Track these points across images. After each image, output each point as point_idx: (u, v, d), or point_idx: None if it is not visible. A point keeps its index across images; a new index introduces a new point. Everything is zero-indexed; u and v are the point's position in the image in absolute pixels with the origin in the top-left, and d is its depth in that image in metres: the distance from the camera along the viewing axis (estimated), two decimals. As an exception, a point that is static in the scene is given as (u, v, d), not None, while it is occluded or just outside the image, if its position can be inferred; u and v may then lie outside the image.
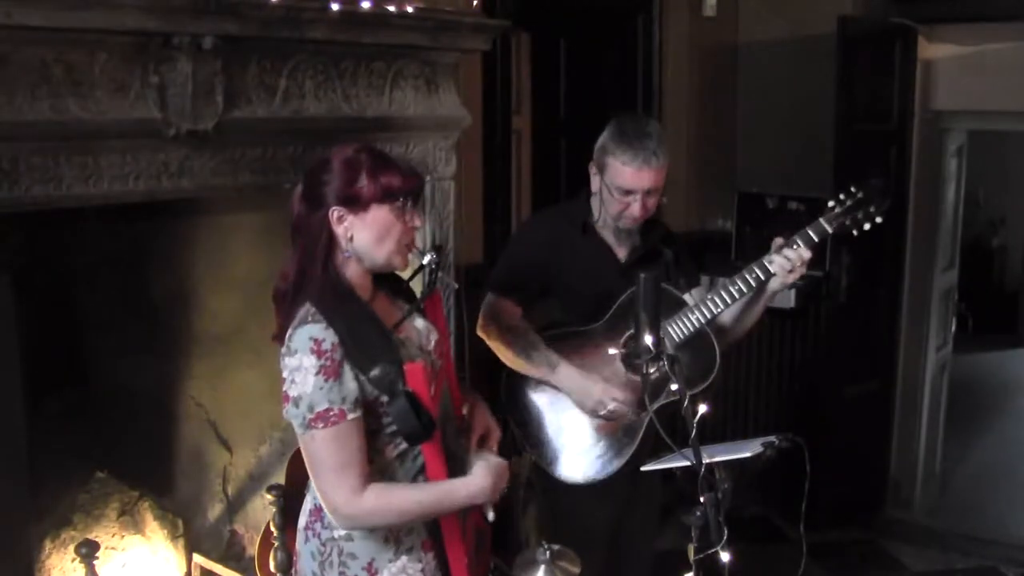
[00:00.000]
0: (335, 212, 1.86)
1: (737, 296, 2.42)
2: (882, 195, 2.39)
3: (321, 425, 1.79)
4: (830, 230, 2.38)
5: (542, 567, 1.93)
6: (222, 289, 2.92)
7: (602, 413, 2.48)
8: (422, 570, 1.95)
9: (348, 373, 1.81)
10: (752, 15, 4.92)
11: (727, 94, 5.00)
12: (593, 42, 4.54)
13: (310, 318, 1.82)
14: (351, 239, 1.87)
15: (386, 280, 2.02)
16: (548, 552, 1.96)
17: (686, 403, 1.86)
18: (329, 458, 1.81)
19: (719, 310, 2.44)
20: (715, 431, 2.04)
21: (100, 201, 2.28)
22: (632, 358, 2.02)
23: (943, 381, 5.12)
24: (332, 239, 1.88)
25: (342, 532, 1.92)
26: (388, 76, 2.81)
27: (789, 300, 4.50)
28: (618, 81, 4.52)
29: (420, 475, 1.92)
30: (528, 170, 4.56)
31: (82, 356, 2.63)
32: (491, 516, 1.95)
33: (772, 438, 2.08)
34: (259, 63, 2.49)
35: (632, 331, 2.48)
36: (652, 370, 1.92)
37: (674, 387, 1.89)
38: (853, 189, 2.40)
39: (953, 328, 5.26)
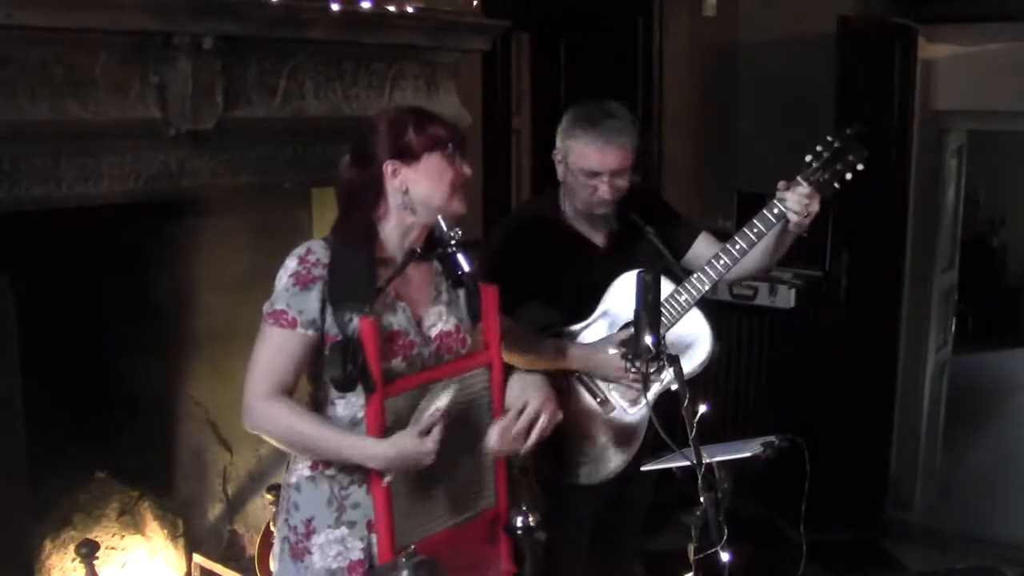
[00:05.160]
0: (389, 166, 1.94)
1: (755, 238, 2.36)
2: (861, 143, 2.32)
3: (271, 322, 1.88)
4: (808, 186, 2.29)
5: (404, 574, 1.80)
6: (222, 289, 2.92)
7: (631, 375, 2.41)
8: (363, 549, 1.94)
9: (316, 292, 1.88)
10: (752, 15, 4.92)
11: (727, 94, 5.00)
12: (593, 42, 4.54)
13: (319, 238, 1.95)
14: (407, 191, 1.94)
15: (438, 258, 2.04)
16: (412, 560, 1.81)
17: (686, 402, 1.86)
18: (264, 355, 1.89)
19: (739, 257, 2.39)
20: (715, 431, 2.03)
21: (100, 201, 2.28)
22: (632, 357, 2.01)
23: (943, 381, 5.11)
24: (379, 195, 1.96)
25: (293, 479, 1.99)
26: (388, 76, 2.81)
27: (789, 300, 4.50)
28: (618, 81, 4.51)
29: None
30: (528, 170, 4.56)
31: (82, 356, 2.62)
32: (384, 481, 1.87)
33: (772, 438, 2.07)
34: (259, 63, 2.49)
35: (629, 321, 2.49)
36: (652, 369, 1.91)
37: (674, 387, 1.90)
38: (830, 138, 2.33)
39: (953, 328, 5.26)
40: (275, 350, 1.89)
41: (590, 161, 2.42)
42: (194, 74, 2.31)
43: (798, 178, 2.32)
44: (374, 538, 1.93)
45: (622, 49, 4.57)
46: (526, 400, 2.04)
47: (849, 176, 2.33)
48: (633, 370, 2.39)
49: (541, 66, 4.57)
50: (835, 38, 4.27)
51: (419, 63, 2.87)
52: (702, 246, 2.58)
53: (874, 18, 4.53)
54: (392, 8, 2.67)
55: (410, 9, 2.71)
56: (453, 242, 1.96)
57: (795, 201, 2.30)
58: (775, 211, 2.34)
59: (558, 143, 2.51)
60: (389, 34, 2.71)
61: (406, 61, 2.83)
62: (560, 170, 2.52)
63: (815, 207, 2.31)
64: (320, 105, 2.65)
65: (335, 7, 2.50)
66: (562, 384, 2.48)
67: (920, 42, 4.48)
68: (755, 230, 2.36)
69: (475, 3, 2.98)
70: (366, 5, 2.61)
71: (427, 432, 1.84)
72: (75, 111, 2.16)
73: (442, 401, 1.86)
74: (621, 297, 2.48)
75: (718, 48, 4.92)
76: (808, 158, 2.33)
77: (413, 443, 1.83)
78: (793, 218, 2.31)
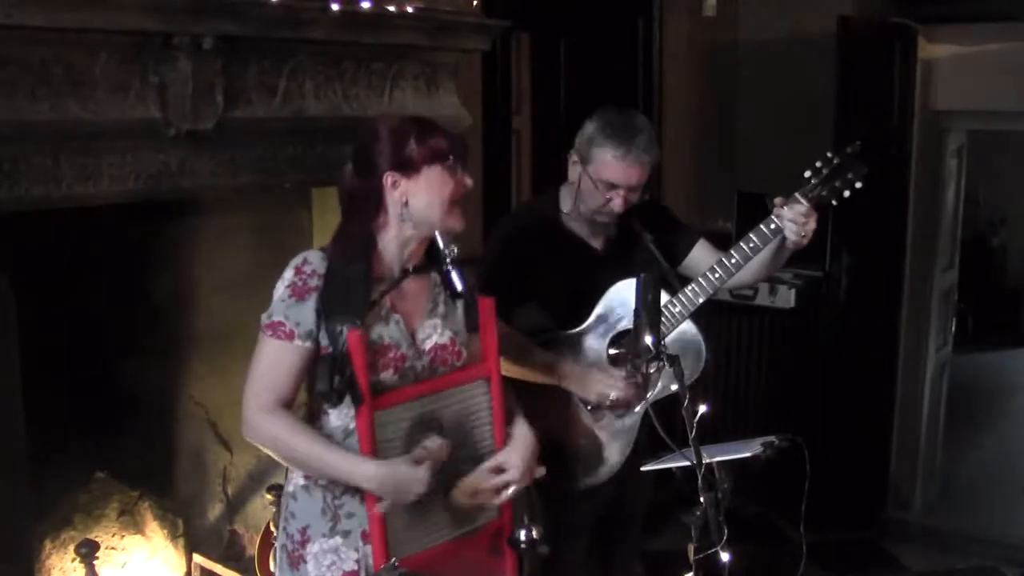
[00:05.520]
0: (389, 178, 1.92)
1: (751, 253, 2.38)
2: (860, 161, 2.32)
3: (269, 333, 1.88)
4: (805, 204, 2.30)
5: None
6: (222, 289, 2.92)
7: (609, 403, 2.46)
8: (357, 560, 1.94)
9: (311, 303, 1.87)
10: (752, 15, 4.92)
11: (727, 94, 5.00)
12: (593, 42, 4.54)
13: (317, 248, 1.95)
14: (406, 203, 1.93)
15: (437, 270, 2.03)
16: (393, 572, 1.81)
17: (686, 402, 1.86)
18: (261, 366, 1.89)
19: (734, 271, 2.40)
20: (715, 431, 2.03)
21: (100, 201, 2.28)
22: (632, 357, 2.01)
23: (943, 381, 5.12)
24: (379, 205, 1.94)
25: (290, 488, 1.99)
26: (388, 76, 2.81)
27: (789, 300, 4.50)
28: (618, 81, 4.52)
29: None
30: (528, 170, 4.56)
31: (82, 356, 2.62)
32: (379, 508, 1.87)
33: (772, 438, 2.08)
34: (259, 63, 2.49)
35: (622, 329, 2.48)
36: (652, 370, 1.91)
37: (673, 387, 1.89)
38: (829, 155, 2.33)
39: (953, 328, 5.26)
40: (273, 362, 1.88)
41: (612, 173, 2.41)
42: (194, 74, 2.31)
43: (796, 194, 2.32)
44: (369, 549, 1.92)
45: (622, 49, 4.57)
46: (506, 461, 2.02)
47: (847, 194, 2.33)
48: (615, 396, 2.42)
49: (541, 66, 4.57)
50: (835, 38, 4.28)
51: (419, 63, 2.87)
52: (701, 253, 2.58)
53: (874, 18, 4.53)
54: (392, 8, 2.67)
55: (410, 9, 2.71)
56: (449, 259, 1.94)
57: (792, 219, 2.30)
58: (772, 226, 2.34)
59: (578, 145, 2.49)
60: (389, 34, 2.71)
61: (406, 61, 2.83)
62: (574, 171, 2.50)
63: (812, 225, 2.32)
64: (320, 105, 2.65)
65: (335, 7, 2.50)
66: (555, 391, 2.49)
67: (920, 42, 4.48)
68: (751, 244, 2.37)
69: (475, 3, 2.97)
70: (366, 5, 2.61)
71: (421, 461, 1.83)
72: (75, 111, 2.16)
73: (431, 444, 1.86)
74: (617, 303, 2.49)
75: (718, 48, 4.92)
76: (807, 174, 2.32)
77: (407, 469, 1.82)
78: (791, 236, 2.33)
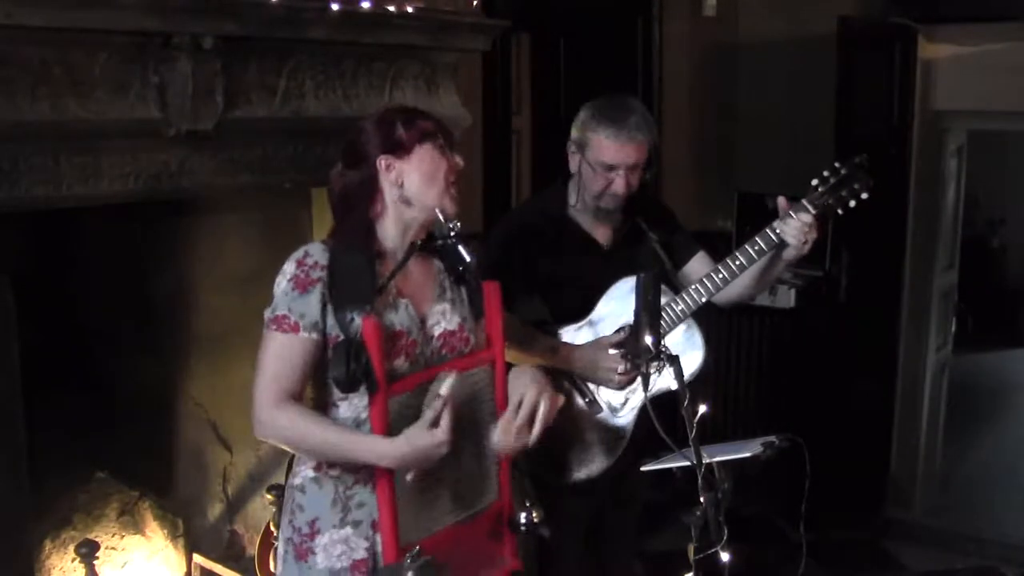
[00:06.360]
0: (383, 161, 1.94)
1: (756, 256, 2.38)
2: (866, 172, 2.33)
3: (274, 328, 1.87)
4: (812, 211, 2.31)
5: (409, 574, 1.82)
6: (222, 289, 2.92)
7: (614, 382, 2.47)
8: (367, 548, 1.94)
9: (316, 295, 1.87)
10: (752, 15, 4.93)
11: (727, 94, 5.00)
12: (593, 42, 4.55)
13: (318, 241, 1.95)
14: (401, 185, 1.94)
15: (440, 255, 2.03)
16: (417, 561, 1.84)
17: (686, 402, 1.86)
18: (269, 362, 1.88)
19: (738, 272, 2.41)
20: (715, 431, 2.03)
21: (100, 201, 2.29)
22: (631, 356, 2.01)
23: (943, 381, 5.11)
24: (374, 193, 1.95)
25: (297, 481, 1.98)
26: (388, 76, 2.81)
27: (789, 300, 4.50)
28: (618, 81, 4.52)
29: None
30: (528, 170, 4.57)
31: (82, 356, 2.63)
32: (408, 477, 1.87)
33: (772, 438, 2.08)
34: (259, 63, 2.49)
35: (624, 325, 2.48)
36: (652, 369, 1.92)
37: (673, 387, 1.90)
38: (837, 165, 2.35)
39: (953, 328, 5.26)
40: (279, 356, 1.88)
41: (608, 155, 2.44)
42: (194, 74, 2.31)
43: (803, 201, 2.33)
44: (378, 537, 1.92)
45: (622, 49, 4.58)
46: (522, 394, 2.03)
47: (853, 204, 2.34)
48: (622, 373, 2.43)
49: (541, 66, 4.58)
50: (835, 38, 4.28)
51: (419, 63, 2.88)
52: (698, 264, 2.60)
53: (874, 18, 4.53)
54: (392, 8, 2.67)
55: (410, 9, 2.72)
56: (453, 234, 1.96)
57: (795, 228, 2.31)
58: (776, 231, 2.35)
59: (574, 135, 2.52)
60: (389, 34, 2.71)
61: (406, 61, 2.84)
62: (574, 162, 2.53)
63: (814, 235, 2.32)
64: (320, 105, 2.65)
65: (335, 7, 2.50)
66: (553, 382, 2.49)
67: (920, 42, 4.47)
68: (756, 248, 2.38)
69: (475, 3, 2.98)
70: (366, 5, 2.61)
71: (436, 423, 1.82)
72: (75, 111, 2.16)
73: (444, 389, 1.84)
74: (618, 301, 2.49)
75: (718, 48, 4.92)
76: (814, 183, 2.34)
77: (425, 437, 1.82)
78: (792, 242, 2.32)
